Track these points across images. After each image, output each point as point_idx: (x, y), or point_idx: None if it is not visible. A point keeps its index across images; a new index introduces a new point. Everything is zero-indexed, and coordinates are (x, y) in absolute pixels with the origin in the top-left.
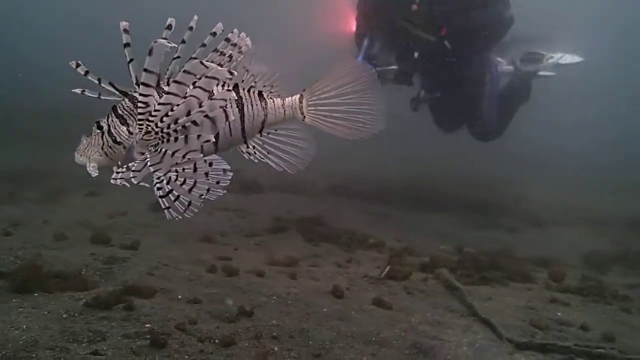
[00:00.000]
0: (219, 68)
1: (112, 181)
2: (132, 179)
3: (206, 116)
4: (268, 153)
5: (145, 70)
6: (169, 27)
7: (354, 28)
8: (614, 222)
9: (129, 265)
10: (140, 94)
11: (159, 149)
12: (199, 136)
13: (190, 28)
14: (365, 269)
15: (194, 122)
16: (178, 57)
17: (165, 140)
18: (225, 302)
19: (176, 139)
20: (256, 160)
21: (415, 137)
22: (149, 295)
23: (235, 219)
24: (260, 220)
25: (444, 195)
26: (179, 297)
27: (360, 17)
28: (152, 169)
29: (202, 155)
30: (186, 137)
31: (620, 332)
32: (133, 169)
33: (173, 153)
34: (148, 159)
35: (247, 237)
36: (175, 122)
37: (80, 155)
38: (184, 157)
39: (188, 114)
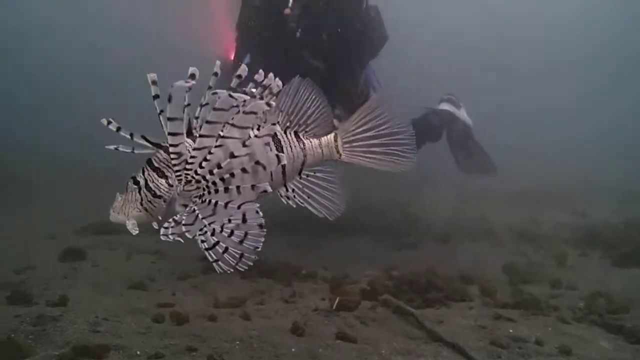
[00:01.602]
0: (255, 100)
1: (162, 237)
2: (186, 234)
3: (257, 163)
4: (308, 197)
5: (169, 119)
6: (192, 76)
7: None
8: (506, 233)
9: (64, 324)
10: (170, 145)
11: (206, 200)
12: (253, 186)
13: (215, 74)
14: (312, 302)
15: (244, 170)
16: (206, 103)
17: (212, 190)
18: (189, 353)
19: (226, 190)
20: (294, 205)
21: None
22: (103, 354)
23: (158, 262)
24: (185, 261)
25: (354, 219)
26: (138, 352)
27: (240, 37)
28: (205, 222)
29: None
30: (239, 187)
31: (571, 343)
32: (184, 222)
33: (226, 204)
34: (198, 211)
35: (180, 280)
36: (219, 167)
37: (118, 213)
38: (239, 208)
39: (231, 156)
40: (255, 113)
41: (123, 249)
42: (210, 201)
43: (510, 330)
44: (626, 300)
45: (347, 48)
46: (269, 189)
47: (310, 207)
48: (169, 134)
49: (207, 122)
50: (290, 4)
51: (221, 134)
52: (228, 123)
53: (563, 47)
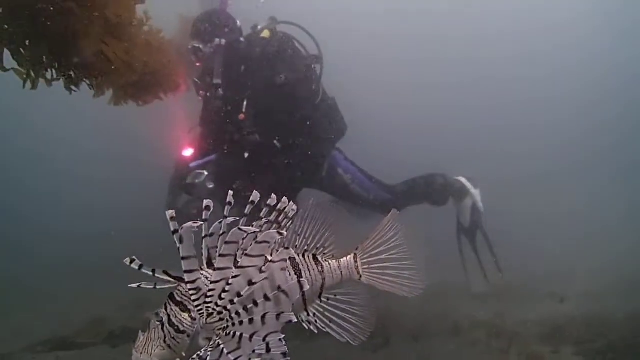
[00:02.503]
0: (267, 231)
1: None
2: None
3: (279, 288)
4: (330, 322)
5: (182, 258)
6: (207, 207)
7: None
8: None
9: None
10: (187, 282)
11: (230, 332)
12: (278, 316)
13: (229, 203)
14: None
15: (266, 297)
16: (223, 232)
17: (236, 321)
18: None
19: (251, 321)
20: (316, 331)
21: None
22: None
23: None
24: None
25: None
26: None
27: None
28: (231, 357)
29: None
30: (263, 318)
31: None
32: (210, 358)
33: (251, 337)
34: (223, 346)
35: None
36: (239, 296)
37: (141, 354)
38: (264, 339)
39: (250, 283)
40: (267, 242)
41: None
42: (234, 334)
43: None
44: None
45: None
46: (294, 319)
47: (332, 332)
48: (185, 272)
49: (220, 255)
50: (244, 109)
51: (237, 263)
52: (243, 253)
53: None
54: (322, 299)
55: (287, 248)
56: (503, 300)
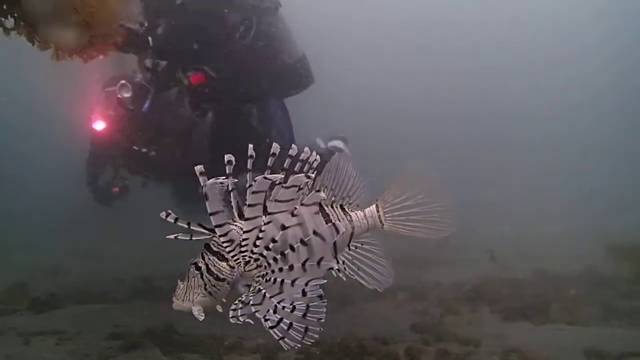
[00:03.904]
0: (295, 176)
1: (232, 320)
2: (256, 314)
3: (315, 233)
4: (358, 269)
5: (210, 214)
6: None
7: None
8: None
9: None
10: (220, 236)
11: (270, 279)
12: (319, 263)
13: (251, 156)
14: None
15: (302, 242)
16: (250, 185)
17: (276, 268)
18: None
19: (291, 267)
20: (345, 278)
21: None
22: None
23: (63, 343)
24: (92, 340)
25: None
26: None
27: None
28: (274, 300)
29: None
30: (304, 264)
31: None
32: (252, 303)
33: (293, 282)
34: (264, 291)
35: None
36: (274, 242)
37: (182, 301)
38: (307, 284)
39: (282, 228)
40: (296, 187)
41: (15, 333)
42: (275, 280)
43: None
44: (534, 353)
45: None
46: (335, 266)
47: (359, 279)
48: (215, 227)
49: (249, 205)
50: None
51: (268, 210)
52: (273, 200)
53: None
54: (351, 248)
55: (318, 191)
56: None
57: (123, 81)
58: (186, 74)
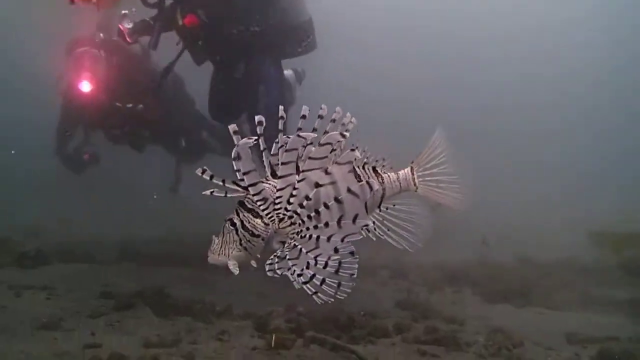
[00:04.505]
0: (330, 134)
1: (269, 273)
2: (294, 267)
3: (348, 190)
4: (388, 230)
5: (244, 174)
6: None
7: None
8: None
9: None
10: (253, 195)
11: (305, 235)
12: (354, 220)
13: (282, 117)
14: (246, 341)
15: (336, 200)
16: (282, 145)
17: (309, 225)
18: None
19: (326, 225)
20: (374, 238)
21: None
22: None
23: (54, 299)
24: (82, 296)
25: None
26: None
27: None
28: (311, 255)
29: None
30: (339, 221)
31: None
32: (289, 257)
33: (329, 238)
34: (300, 246)
35: (91, 318)
36: (307, 200)
37: (218, 255)
38: (342, 240)
39: (316, 185)
40: (330, 144)
41: (6, 286)
42: (311, 236)
43: None
44: (517, 335)
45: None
46: (371, 224)
47: (389, 240)
48: (249, 186)
49: (283, 163)
50: None
51: (301, 168)
52: (306, 158)
53: None
54: (382, 209)
55: (353, 149)
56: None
57: (125, 11)
58: (182, 15)
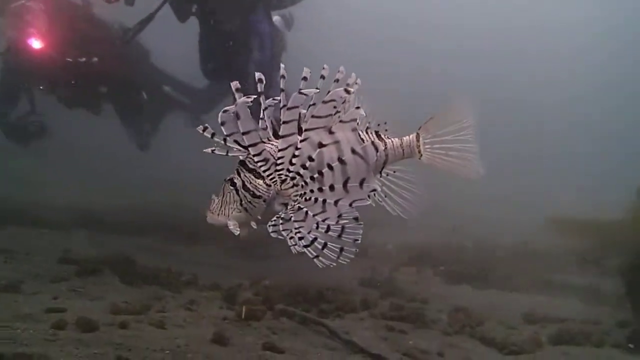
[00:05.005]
0: (334, 91)
1: (272, 234)
2: (301, 229)
3: (353, 152)
4: (385, 196)
5: (243, 133)
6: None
7: None
8: None
9: None
10: (254, 155)
11: (310, 198)
12: (362, 184)
13: (282, 76)
14: (215, 312)
15: (341, 161)
16: (284, 105)
17: (313, 187)
18: None
19: (332, 188)
20: (374, 204)
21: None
22: None
23: (11, 262)
24: (42, 260)
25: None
26: None
27: None
28: (318, 218)
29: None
30: (346, 184)
31: (466, 356)
32: (294, 219)
33: (336, 202)
34: (306, 209)
35: (53, 282)
36: (310, 160)
37: (218, 215)
38: (351, 205)
39: (320, 145)
40: (334, 101)
41: None
42: (316, 200)
43: (411, 342)
44: (478, 314)
45: None
46: (378, 188)
47: (386, 205)
48: (248, 146)
49: (284, 122)
50: None
51: (303, 127)
52: (310, 116)
53: None
54: (382, 174)
55: (358, 107)
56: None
57: None
58: None
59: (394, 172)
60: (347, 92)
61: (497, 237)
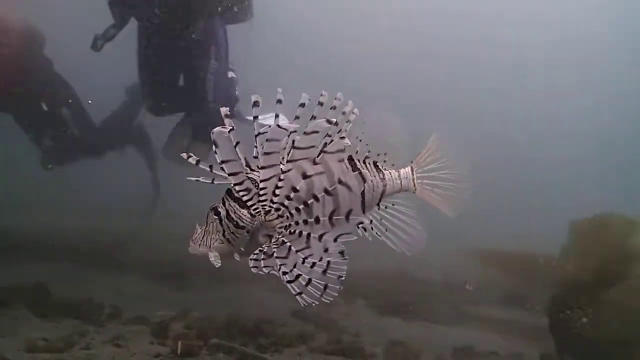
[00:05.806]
0: (316, 122)
1: (253, 270)
2: (283, 267)
3: (340, 182)
4: (386, 230)
5: (222, 162)
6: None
7: None
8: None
9: None
10: (235, 185)
11: (295, 231)
12: (347, 216)
13: (279, 101)
14: (146, 348)
15: (327, 192)
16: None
17: (299, 219)
18: None
19: (317, 221)
20: (370, 238)
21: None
22: None
23: None
24: None
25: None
26: None
27: None
28: (301, 255)
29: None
30: (331, 217)
31: None
32: (276, 255)
33: (320, 236)
34: (289, 244)
35: None
36: (295, 191)
37: (199, 245)
38: (335, 240)
39: (304, 176)
40: (317, 132)
41: None
42: (301, 233)
43: None
44: (414, 347)
45: None
46: (366, 221)
47: (387, 241)
48: (229, 175)
49: (264, 153)
50: None
51: (286, 157)
52: (293, 147)
53: None
54: (381, 207)
55: (343, 137)
56: None
57: None
58: None
59: (393, 205)
60: (329, 122)
61: (424, 267)
